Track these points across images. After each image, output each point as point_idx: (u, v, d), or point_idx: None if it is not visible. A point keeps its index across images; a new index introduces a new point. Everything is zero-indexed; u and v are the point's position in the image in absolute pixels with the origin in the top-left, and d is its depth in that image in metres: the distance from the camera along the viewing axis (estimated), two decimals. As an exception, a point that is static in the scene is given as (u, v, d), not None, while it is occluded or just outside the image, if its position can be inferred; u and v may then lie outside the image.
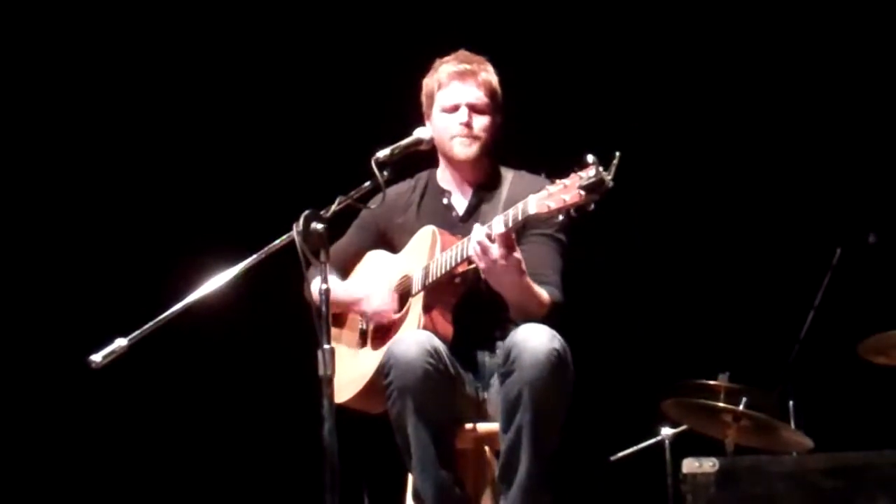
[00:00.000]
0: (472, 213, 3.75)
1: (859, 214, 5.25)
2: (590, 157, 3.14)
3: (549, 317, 3.53)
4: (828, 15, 5.50)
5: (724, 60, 5.60)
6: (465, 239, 3.46)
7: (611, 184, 3.11)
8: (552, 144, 5.23)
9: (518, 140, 3.97)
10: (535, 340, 3.35)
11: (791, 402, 4.86)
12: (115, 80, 5.67)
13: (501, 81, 3.79)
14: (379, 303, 3.72)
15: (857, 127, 5.48)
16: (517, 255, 3.39)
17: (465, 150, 3.72)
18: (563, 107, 5.60)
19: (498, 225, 3.34)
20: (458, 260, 3.49)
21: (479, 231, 3.38)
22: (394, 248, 3.85)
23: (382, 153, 3.49)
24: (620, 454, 4.95)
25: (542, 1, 5.67)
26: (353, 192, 3.46)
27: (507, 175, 3.79)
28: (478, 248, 3.37)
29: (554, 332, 3.40)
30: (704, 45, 5.61)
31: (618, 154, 3.10)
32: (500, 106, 3.77)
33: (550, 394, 3.34)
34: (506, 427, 3.39)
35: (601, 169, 3.11)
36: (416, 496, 3.49)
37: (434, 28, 3.92)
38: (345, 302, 3.77)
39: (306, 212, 3.15)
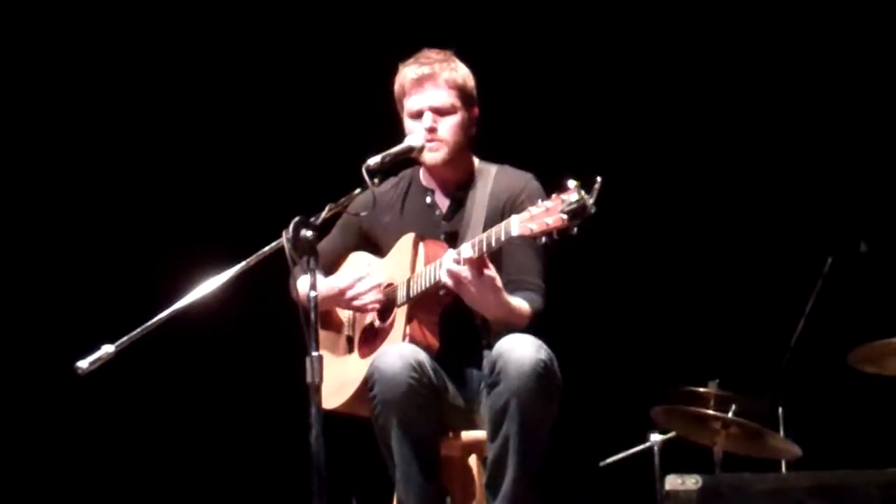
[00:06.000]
0: (455, 213, 3.73)
1: (851, 223, 5.25)
2: (570, 183, 3.11)
3: (533, 324, 3.54)
4: (821, 24, 5.50)
5: (718, 71, 5.59)
6: (439, 261, 3.47)
7: (593, 209, 3.09)
8: (548, 146, 5.25)
9: (509, 142, 3.96)
10: (520, 351, 3.36)
11: (780, 410, 4.85)
12: (105, 87, 5.66)
13: (489, 79, 3.77)
14: (364, 290, 3.67)
15: (850, 135, 5.48)
16: (490, 272, 3.38)
17: (431, 155, 3.67)
18: (558, 106, 5.61)
19: (467, 250, 3.35)
20: (434, 280, 3.49)
21: (448, 257, 3.39)
22: (378, 247, 3.84)
23: (373, 160, 3.49)
24: (609, 460, 4.95)
25: (535, 4, 5.66)
26: (342, 200, 3.46)
27: (490, 170, 3.75)
28: (448, 276, 3.37)
29: (540, 343, 3.41)
30: (700, 54, 5.61)
31: (599, 179, 3.08)
32: (471, 99, 3.71)
33: (537, 404, 3.35)
34: (492, 436, 3.40)
35: (584, 193, 3.09)
36: (400, 507, 3.51)
37: (424, 34, 3.89)
38: (329, 295, 3.68)
39: (296, 219, 3.16)
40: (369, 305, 3.71)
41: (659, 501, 4.57)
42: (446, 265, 3.38)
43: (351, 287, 3.69)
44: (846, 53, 5.47)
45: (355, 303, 3.71)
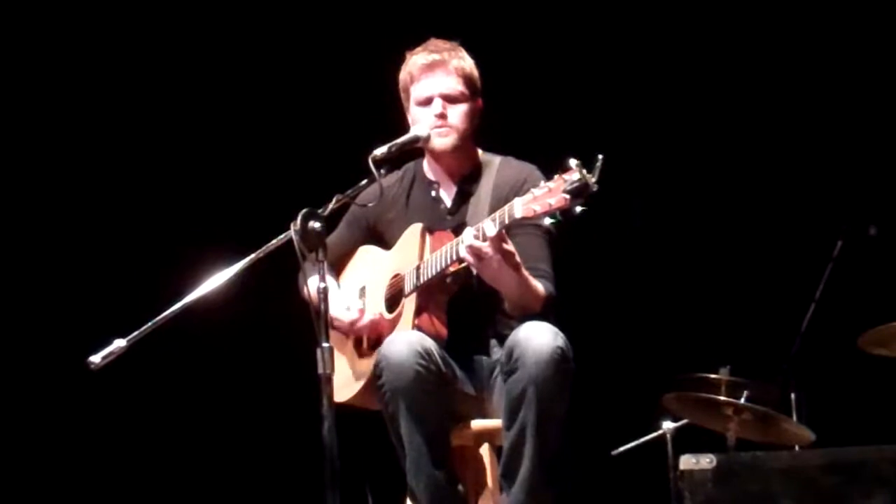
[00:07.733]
0: (460, 206, 3.74)
1: (860, 206, 5.24)
2: (572, 162, 3.12)
3: (546, 311, 3.53)
4: (828, 8, 5.49)
5: (726, 51, 5.59)
6: (456, 240, 3.45)
7: (595, 187, 3.09)
8: (555, 135, 5.25)
9: (514, 131, 3.95)
10: (538, 339, 3.36)
11: (793, 395, 4.85)
12: (111, 81, 5.66)
13: (490, 69, 3.77)
14: (365, 326, 3.71)
15: (858, 119, 5.47)
16: (509, 247, 3.37)
17: (442, 140, 3.68)
18: (568, 95, 5.61)
19: (490, 227, 3.31)
20: (450, 261, 3.47)
21: (469, 233, 3.37)
22: (384, 241, 3.84)
23: (379, 151, 3.50)
24: (622, 449, 4.95)
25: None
26: (350, 191, 3.47)
27: (493, 161, 3.76)
28: (469, 252, 3.35)
29: (556, 330, 3.40)
30: (706, 33, 5.60)
31: (601, 157, 3.08)
32: (477, 89, 3.73)
33: (554, 391, 3.35)
34: (509, 424, 3.40)
35: (585, 172, 3.09)
36: (411, 496, 3.50)
37: (429, 25, 3.90)
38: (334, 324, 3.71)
39: (304, 210, 3.16)
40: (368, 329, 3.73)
41: (672, 488, 4.58)
42: (467, 241, 3.35)
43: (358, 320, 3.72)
44: (855, 35, 5.46)
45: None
